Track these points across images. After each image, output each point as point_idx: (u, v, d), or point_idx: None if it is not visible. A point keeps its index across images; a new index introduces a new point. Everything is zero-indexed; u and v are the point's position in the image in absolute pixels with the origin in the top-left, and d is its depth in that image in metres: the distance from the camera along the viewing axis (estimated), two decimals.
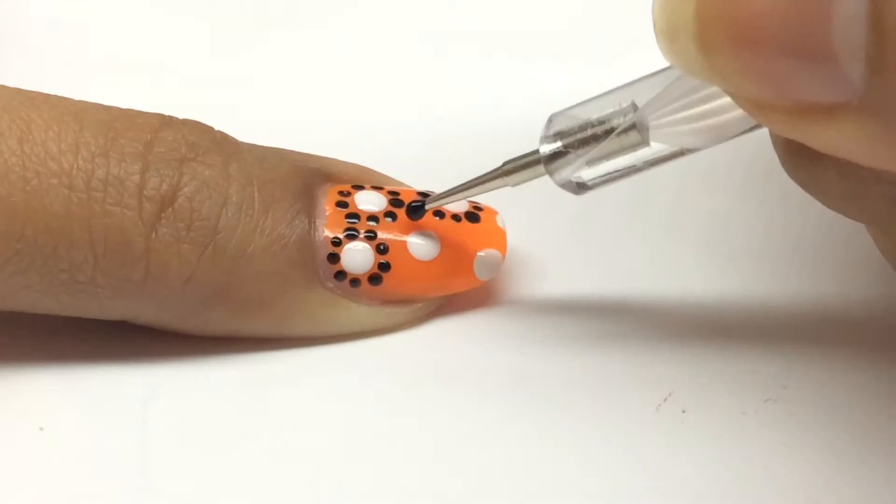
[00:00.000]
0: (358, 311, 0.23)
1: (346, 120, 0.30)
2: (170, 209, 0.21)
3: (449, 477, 0.21)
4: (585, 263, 0.26)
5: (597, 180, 0.21)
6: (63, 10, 0.33)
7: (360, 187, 0.24)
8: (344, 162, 0.24)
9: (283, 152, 0.24)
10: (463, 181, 0.23)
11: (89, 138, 0.21)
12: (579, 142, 0.21)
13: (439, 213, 0.24)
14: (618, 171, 0.21)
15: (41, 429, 0.21)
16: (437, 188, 0.25)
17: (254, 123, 0.27)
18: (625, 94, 0.21)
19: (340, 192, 0.23)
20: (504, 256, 0.24)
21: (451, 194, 0.23)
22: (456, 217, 0.24)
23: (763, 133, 0.21)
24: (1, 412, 0.22)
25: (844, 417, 0.22)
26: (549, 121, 0.21)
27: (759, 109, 0.17)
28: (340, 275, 0.23)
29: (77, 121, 0.21)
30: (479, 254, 0.24)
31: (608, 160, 0.21)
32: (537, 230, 0.26)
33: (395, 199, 0.24)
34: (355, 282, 0.23)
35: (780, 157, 0.21)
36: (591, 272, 0.26)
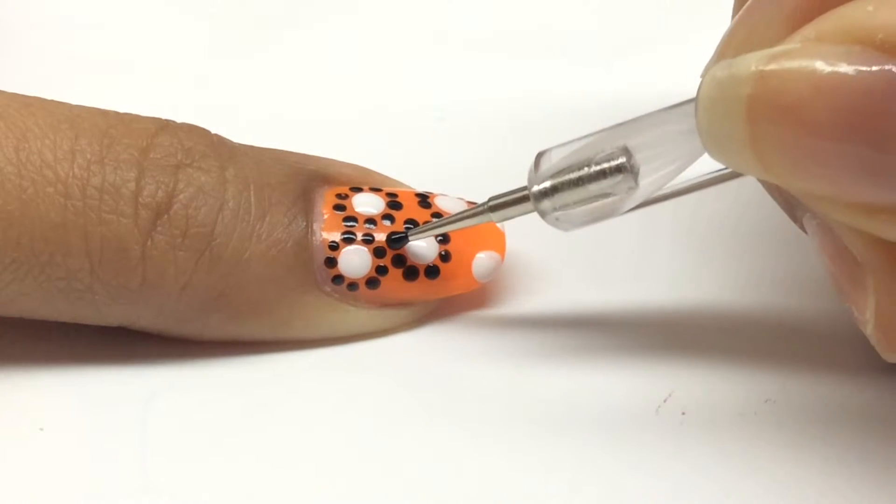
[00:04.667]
0: (356, 315, 0.23)
1: (346, 120, 0.29)
2: (165, 216, 0.21)
3: (448, 478, 0.21)
4: (585, 265, 0.26)
5: (584, 219, 0.21)
6: (63, 10, 0.33)
7: (358, 189, 0.24)
8: (342, 163, 0.24)
9: (281, 154, 0.24)
10: (453, 215, 0.23)
11: (85, 146, 0.21)
12: (568, 182, 0.21)
13: (437, 216, 0.23)
14: (605, 210, 0.21)
15: (41, 429, 0.21)
16: (437, 188, 0.25)
17: (253, 123, 0.27)
18: (617, 135, 0.21)
19: (338, 195, 0.23)
20: (503, 258, 0.24)
21: (435, 227, 0.23)
22: None
23: None
24: (1, 412, 0.22)
25: (843, 418, 0.22)
26: (538, 158, 0.21)
27: (816, 202, 0.17)
28: (338, 279, 0.23)
29: (73, 128, 0.21)
30: (477, 255, 0.23)
31: (596, 201, 0.21)
32: (536, 232, 0.26)
33: (393, 202, 0.23)
34: (353, 286, 0.23)
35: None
36: (590, 274, 0.26)
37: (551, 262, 0.26)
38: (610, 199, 0.21)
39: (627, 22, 0.33)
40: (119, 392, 0.22)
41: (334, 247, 0.23)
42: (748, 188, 0.29)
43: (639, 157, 0.20)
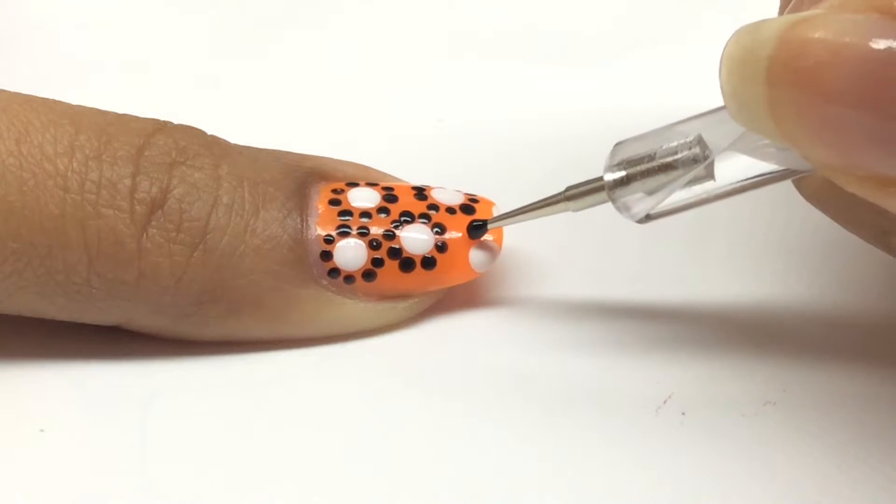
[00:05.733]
0: (354, 308, 0.23)
1: (346, 121, 0.30)
2: (160, 211, 0.22)
3: (448, 477, 0.21)
4: (586, 265, 0.26)
5: (659, 210, 0.21)
6: (63, 10, 0.33)
7: (353, 184, 0.24)
8: (339, 160, 0.24)
9: (277, 153, 0.24)
10: (524, 204, 0.23)
11: (84, 142, 0.22)
12: (643, 172, 0.21)
13: (433, 207, 0.24)
14: (681, 202, 0.21)
15: (41, 430, 0.21)
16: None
17: (253, 123, 0.27)
18: (691, 127, 0.21)
19: (334, 191, 0.23)
20: (500, 247, 0.24)
21: (513, 216, 0.23)
22: (451, 210, 0.24)
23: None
24: (1, 413, 0.22)
25: (843, 420, 0.22)
26: (614, 149, 0.22)
27: (831, 172, 0.17)
28: (334, 272, 0.23)
29: (73, 124, 0.22)
30: (474, 245, 0.23)
31: (672, 192, 0.21)
32: (537, 229, 0.26)
33: (389, 195, 0.23)
34: (349, 278, 0.23)
35: (805, 191, 0.21)
36: (591, 273, 0.26)
37: (552, 261, 0.26)
38: (683, 191, 0.21)
39: (626, 23, 0.33)
40: (119, 392, 0.22)
41: (329, 240, 0.23)
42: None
43: (713, 150, 0.20)
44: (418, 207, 0.23)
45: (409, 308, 0.24)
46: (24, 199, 0.21)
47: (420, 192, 0.24)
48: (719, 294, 0.25)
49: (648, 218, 0.21)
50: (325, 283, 0.23)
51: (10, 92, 0.22)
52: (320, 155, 0.25)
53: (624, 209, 0.21)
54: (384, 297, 0.23)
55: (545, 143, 0.29)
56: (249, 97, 0.30)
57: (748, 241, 0.27)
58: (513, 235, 0.24)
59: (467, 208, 0.24)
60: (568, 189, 0.22)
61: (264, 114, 0.30)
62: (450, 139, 0.29)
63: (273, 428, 0.22)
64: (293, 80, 0.31)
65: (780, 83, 0.16)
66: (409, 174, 0.25)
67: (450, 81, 0.31)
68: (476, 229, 0.23)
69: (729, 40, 0.17)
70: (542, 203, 0.23)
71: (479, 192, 0.24)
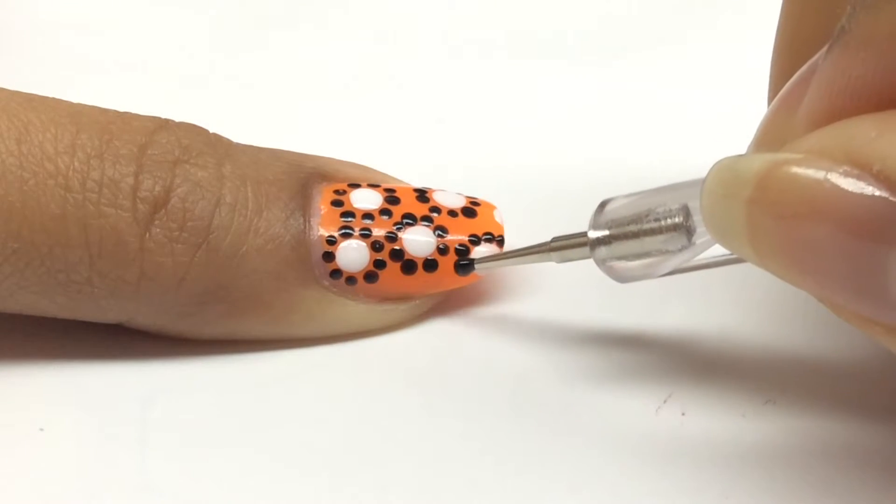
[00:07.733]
0: (355, 309, 0.23)
1: (346, 121, 0.30)
2: (163, 210, 0.22)
3: (448, 477, 0.21)
4: (585, 265, 0.26)
5: (635, 272, 0.21)
6: (63, 10, 0.33)
7: (356, 185, 0.24)
8: (341, 161, 0.24)
9: (279, 153, 0.24)
10: (512, 249, 0.23)
11: (85, 140, 0.21)
12: (626, 234, 0.21)
13: (435, 209, 0.24)
14: (660, 266, 0.21)
15: (41, 429, 0.21)
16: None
17: (253, 123, 0.27)
18: (680, 194, 0.21)
19: (336, 191, 0.23)
20: (502, 251, 0.24)
21: (499, 258, 0.23)
22: (452, 213, 0.24)
23: None
24: (1, 412, 0.22)
25: (843, 420, 0.21)
26: (601, 206, 0.22)
27: (824, 304, 0.17)
28: (336, 273, 0.23)
29: (74, 123, 0.22)
30: (476, 249, 0.23)
31: (652, 256, 0.21)
32: (537, 230, 0.26)
33: (390, 197, 0.24)
34: (351, 280, 0.23)
35: None
36: (590, 274, 0.25)
37: (552, 263, 0.26)
38: (662, 256, 0.21)
39: (627, 23, 0.33)
40: (119, 392, 0.22)
41: (332, 241, 0.23)
42: None
43: (697, 219, 0.20)
44: (420, 210, 0.23)
45: (410, 309, 0.24)
46: (24, 199, 0.21)
47: (422, 195, 0.24)
48: (720, 292, 0.25)
49: (629, 278, 0.21)
50: (326, 283, 0.23)
51: (9, 91, 0.22)
52: (321, 155, 0.24)
53: (604, 267, 0.21)
54: (385, 298, 0.23)
55: (545, 143, 0.29)
56: (250, 96, 0.30)
57: None
58: (513, 237, 0.24)
59: (469, 211, 0.24)
60: (553, 240, 0.22)
61: (265, 113, 0.30)
62: (450, 139, 0.29)
63: (273, 428, 0.22)
64: (294, 79, 0.31)
65: (760, 223, 0.17)
66: (409, 175, 0.25)
67: (450, 81, 0.31)
68: (463, 268, 0.23)
69: (710, 172, 0.18)
70: (527, 251, 0.23)
71: (478, 194, 0.25)
